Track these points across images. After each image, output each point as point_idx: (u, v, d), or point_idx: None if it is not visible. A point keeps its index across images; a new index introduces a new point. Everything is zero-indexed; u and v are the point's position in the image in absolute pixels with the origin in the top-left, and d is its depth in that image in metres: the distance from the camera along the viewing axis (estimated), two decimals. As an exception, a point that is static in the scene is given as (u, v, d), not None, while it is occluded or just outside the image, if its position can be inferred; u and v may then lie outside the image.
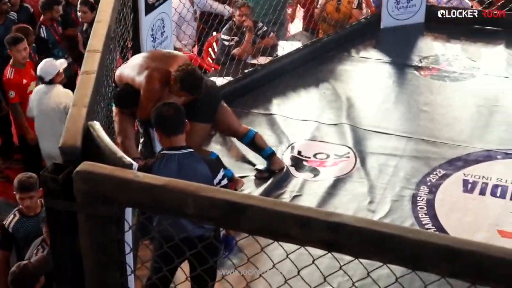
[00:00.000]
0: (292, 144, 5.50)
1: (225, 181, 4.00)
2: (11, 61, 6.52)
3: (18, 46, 6.36)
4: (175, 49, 7.33)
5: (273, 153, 5.11)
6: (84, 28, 7.29)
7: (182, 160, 3.86)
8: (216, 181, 3.93)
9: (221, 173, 3.99)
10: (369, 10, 7.96)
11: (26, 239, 4.75)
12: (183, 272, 2.89)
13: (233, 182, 4.92)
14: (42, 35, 7.42)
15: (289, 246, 2.07)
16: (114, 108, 4.66)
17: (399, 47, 7.06)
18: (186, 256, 2.38)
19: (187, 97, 4.54)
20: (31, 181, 4.78)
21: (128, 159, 2.18)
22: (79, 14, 7.33)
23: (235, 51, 6.90)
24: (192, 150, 3.96)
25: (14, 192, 4.85)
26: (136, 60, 4.68)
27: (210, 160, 4.07)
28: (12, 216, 4.83)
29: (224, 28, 7.17)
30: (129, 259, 2.27)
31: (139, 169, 3.45)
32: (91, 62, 2.87)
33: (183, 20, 7.11)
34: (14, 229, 4.78)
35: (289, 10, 8.36)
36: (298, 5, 8.33)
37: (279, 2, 7.35)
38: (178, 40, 7.14)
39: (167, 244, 2.40)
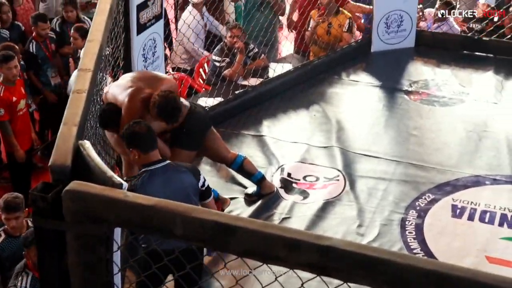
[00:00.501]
0: (282, 166, 5.50)
1: (207, 183, 4.09)
2: (0, 78, 6.51)
3: (9, 63, 6.36)
4: (186, 59, 7.41)
5: (263, 178, 5.09)
6: (79, 54, 7.28)
7: (164, 172, 3.87)
8: (200, 184, 4.02)
9: (202, 178, 4.07)
10: (359, 33, 8.02)
11: (12, 259, 4.73)
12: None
13: (219, 202, 4.90)
14: (31, 50, 7.43)
15: (278, 268, 2.06)
16: (106, 131, 4.64)
17: (389, 71, 7.10)
18: (171, 270, 2.37)
19: (164, 123, 4.51)
20: (17, 201, 4.77)
21: (118, 178, 2.18)
22: (71, 39, 7.34)
23: (226, 72, 6.91)
24: (169, 161, 3.97)
25: (0, 212, 4.81)
26: (123, 80, 4.66)
27: (190, 167, 4.10)
28: None
29: (216, 49, 7.20)
30: (117, 279, 2.26)
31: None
32: (82, 81, 2.87)
33: (193, 32, 7.18)
34: (0, 249, 4.73)
35: (280, 32, 8.42)
36: (289, 28, 8.38)
37: (270, 24, 7.41)
38: (187, 51, 7.18)
39: (151, 257, 2.38)
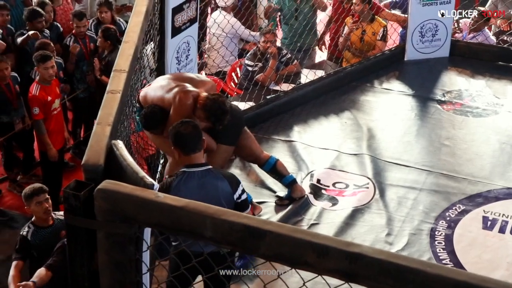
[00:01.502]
0: (311, 172, 5.49)
1: (244, 196, 3.98)
2: (37, 77, 6.60)
3: (46, 63, 6.44)
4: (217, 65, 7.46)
5: (294, 181, 5.10)
6: (104, 55, 7.37)
7: (202, 177, 3.86)
8: (236, 195, 3.93)
9: (240, 187, 3.98)
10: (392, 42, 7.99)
11: (41, 249, 4.87)
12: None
13: (251, 208, 4.91)
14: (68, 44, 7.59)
15: (306, 274, 2.06)
16: (148, 133, 4.68)
17: (422, 80, 7.05)
18: (199, 272, 2.38)
19: (205, 122, 4.55)
20: (41, 185, 4.99)
21: (149, 179, 2.20)
22: (100, 15, 7.47)
23: (258, 76, 6.93)
24: (211, 167, 3.97)
25: (27, 205, 4.92)
26: (162, 81, 4.71)
27: (229, 176, 4.06)
28: (27, 228, 4.93)
29: (249, 54, 7.22)
30: (146, 279, 2.28)
31: (159, 187, 3.48)
32: (117, 81, 2.90)
33: (227, 36, 7.22)
34: (31, 239, 4.88)
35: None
36: (320, 47, 8.36)
37: (308, 23, 7.41)
38: (220, 55, 7.23)
39: (181, 258, 2.40)
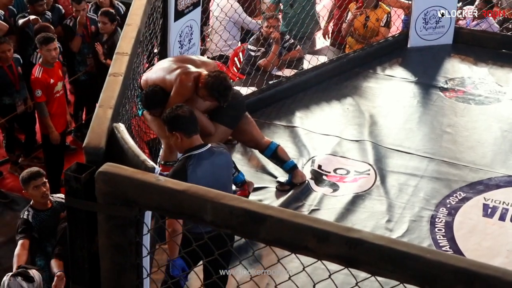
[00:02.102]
0: (312, 157, 5.49)
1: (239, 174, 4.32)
2: (40, 60, 6.58)
3: (49, 45, 6.43)
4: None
5: (295, 166, 5.11)
6: (104, 39, 7.35)
7: (210, 155, 3.91)
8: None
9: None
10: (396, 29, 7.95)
11: (42, 231, 4.88)
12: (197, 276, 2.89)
13: (246, 185, 4.94)
14: (69, 24, 7.58)
15: (305, 259, 2.06)
16: (146, 115, 4.68)
17: (425, 67, 7.03)
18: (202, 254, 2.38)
19: (213, 102, 4.57)
20: (37, 169, 4.96)
21: (150, 162, 2.19)
22: (99, 25, 7.39)
23: (261, 61, 6.91)
24: (210, 144, 4.01)
25: (25, 189, 4.92)
26: (164, 63, 4.71)
27: (225, 147, 4.16)
28: (26, 212, 4.91)
29: (251, 39, 7.20)
30: (146, 262, 2.28)
31: (173, 174, 3.51)
32: (119, 64, 2.89)
33: (229, 20, 7.18)
34: (32, 222, 4.88)
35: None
36: (324, 36, 8.30)
37: (308, 17, 7.38)
38: (223, 39, 7.21)
39: (182, 241, 2.39)
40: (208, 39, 8.13)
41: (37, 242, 4.87)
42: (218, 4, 7.34)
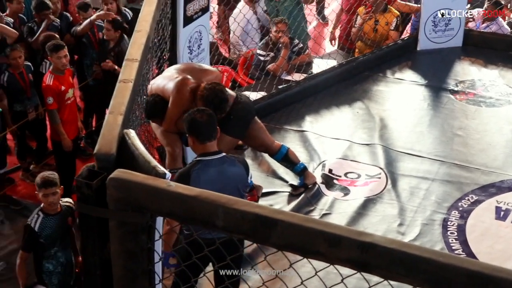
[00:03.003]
0: (323, 162, 5.49)
1: (251, 179, 4.18)
2: (51, 67, 6.60)
3: (59, 53, 6.44)
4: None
5: (305, 168, 5.12)
6: (111, 46, 7.37)
7: (219, 164, 3.87)
8: (249, 179, 4.09)
9: (250, 173, 4.13)
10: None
11: (49, 237, 4.90)
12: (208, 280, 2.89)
13: (254, 190, 4.94)
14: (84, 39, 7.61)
15: (317, 264, 2.06)
16: (152, 122, 4.70)
17: (435, 70, 7.01)
18: (211, 260, 2.38)
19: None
20: (53, 176, 4.95)
21: (161, 168, 2.19)
22: (104, 31, 7.42)
23: (270, 66, 6.91)
24: (225, 154, 3.98)
25: (36, 192, 4.95)
26: (168, 72, 4.73)
27: (243, 160, 4.11)
28: (36, 216, 4.93)
29: (260, 43, 7.21)
30: (158, 268, 2.28)
31: (177, 177, 3.49)
32: (129, 70, 2.90)
33: (248, 22, 7.19)
34: (40, 229, 4.89)
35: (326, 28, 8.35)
36: (332, 41, 8.27)
37: (290, 15, 7.33)
38: (244, 45, 7.20)
39: (192, 246, 2.39)
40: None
41: (43, 247, 4.90)
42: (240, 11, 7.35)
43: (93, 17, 7.42)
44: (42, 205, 4.97)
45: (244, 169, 3.98)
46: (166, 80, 4.60)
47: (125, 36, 7.24)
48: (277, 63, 6.88)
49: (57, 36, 7.13)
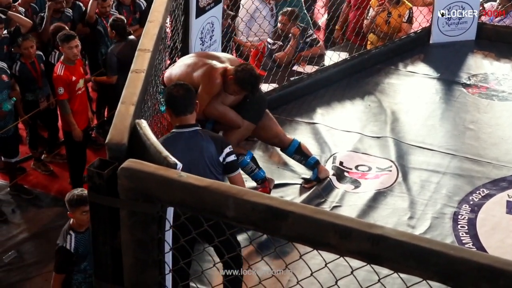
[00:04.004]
0: (334, 154, 5.48)
1: (232, 158, 4.08)
2: (62, 57, 6.62)
3: (70, 43, 6.46)
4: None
5: (318, 161, 5.11)
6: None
7: (189, 138, 3.93)
8: (221, 157, 4.04)
9: (227, 150, 4.06)
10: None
11: (83, 255, 4.61)
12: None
13: (266, 182, 4.93)
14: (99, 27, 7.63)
15: (326, 256, 2.05)
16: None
17: (447, 63, 6.98)
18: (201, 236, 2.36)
19: (236, 98, 4.58)
20: (85, 193, 4.56)
21: (172, 158, 2.20)
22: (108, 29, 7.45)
23: (277, 54, 6.92)
24: (200, 128, 4.01)
25: (70, 212, 4.57)
26: (188, 59, 4.71)
27: (216, 137, 4.12)
28: (68, 236, 4.58)
29: (271, 33, 7.22)
30: (168, 258, 2.29)
31: None
32: (141, 61, 2.90)
33: (260, 13, 7.18)
34: (75, 249, 4.58)
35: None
36: (336, 38, 8.21)
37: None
38: (256, 35, 7.20)
39: (179, 221, 2.34)
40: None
41: (74, 264, 4.61)
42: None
43: None
44: (71, 222, 4.62)
45: (214, 145, 4.00)
46: (190, 67, 4.60)
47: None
48: (285, 52, 6.88)
49: (65, 26, 7.15)
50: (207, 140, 3.98)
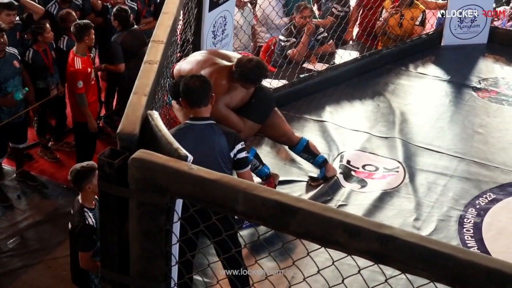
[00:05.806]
0: (341, 153, 5.47)
1: (243, 154, 4.06)
2: (74, 49, 6.56)
3: (91, 33, 6.47)
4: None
5: (325, 160, 5.10)
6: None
7: (201, 131, 3.93)
8: (233, 153, 4.02)
9: (239, 146, 4.03)
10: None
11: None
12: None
13: (271, 178, 4.93)
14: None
15: (333, 253, 2.05)
16: (174, 103, 4.70)
17: (458, 66, 6.96)
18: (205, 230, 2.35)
19: (244, 97, 4.55)
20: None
21: (183, 150, 2.19)
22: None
23: (289, 51, 6.91)
24: (214, 122, 4.00)
25: (87, 183, 4.43)
26: (199, 56, 4.71)
27: (229, 132, 4.09)
28: (85, 214, 4.46)
29: (283, 29, 7.20)
30: (175, 249, 2.29)
31: None
32: (154, 52, 2.90)
33: (273, 9, 7.17)
34: (96, 224, 4.44)
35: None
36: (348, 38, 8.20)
37: None
38: (268, 31, 7.19)
39: (186, 214, 2.34)
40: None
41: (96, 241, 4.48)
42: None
43: None
44: (80, 201, 4.51)
45: (226, 140, 3.98)
46: (200, 65, 4.58)
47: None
48: (297, 49, 6.87)
49: (72, 13, 7.12)
50: (219, 134, 3.97)
